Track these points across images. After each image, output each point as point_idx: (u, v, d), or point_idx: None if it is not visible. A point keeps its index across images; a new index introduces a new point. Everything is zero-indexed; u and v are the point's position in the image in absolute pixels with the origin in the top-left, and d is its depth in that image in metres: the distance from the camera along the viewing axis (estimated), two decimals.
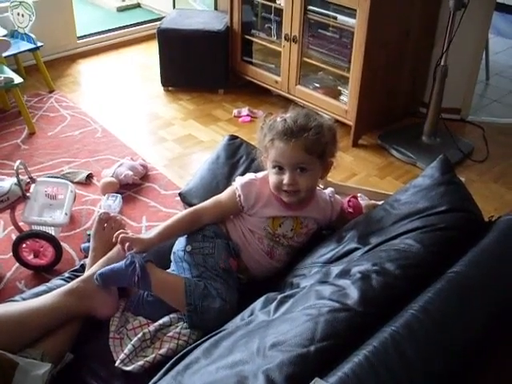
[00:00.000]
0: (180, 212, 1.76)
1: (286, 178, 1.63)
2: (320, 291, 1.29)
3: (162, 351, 1.50)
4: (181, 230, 1.72)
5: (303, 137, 1.59)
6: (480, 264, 1.29)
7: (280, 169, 1.65)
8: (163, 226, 1.69)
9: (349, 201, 1.85)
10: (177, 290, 1.59)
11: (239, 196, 1.70)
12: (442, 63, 3.31)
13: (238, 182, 1.74)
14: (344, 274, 1.36)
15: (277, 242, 1.72)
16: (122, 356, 1.50)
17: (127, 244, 1.62)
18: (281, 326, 1.20)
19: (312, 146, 1.60)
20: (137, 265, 1.59)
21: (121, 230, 1.69)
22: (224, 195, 1.75)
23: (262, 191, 1.71)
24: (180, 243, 1.73)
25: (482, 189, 3.14)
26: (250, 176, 1.76)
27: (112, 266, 1.63)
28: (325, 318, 1.15)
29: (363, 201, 1.90)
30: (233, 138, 2.30)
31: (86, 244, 1.99)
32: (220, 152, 2.24)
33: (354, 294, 1.22)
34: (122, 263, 1.62)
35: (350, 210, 1.83)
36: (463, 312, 1.17)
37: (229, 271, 1.67)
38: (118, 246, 1.68)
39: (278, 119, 1.66)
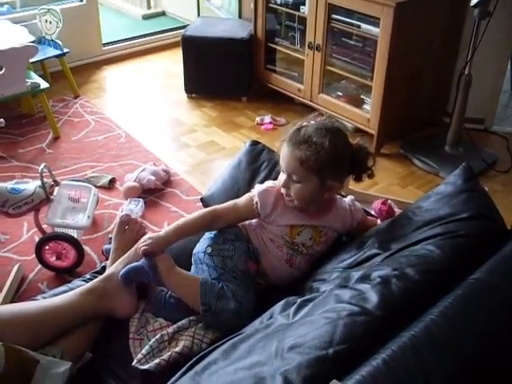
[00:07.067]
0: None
1: (281, 181, 1.67)
2: (339, 295, 1.29)
3: (178, 349, 1.51)
4: (196, 229, 1.74)
5: (300, 148, 1.60)
6: (501, 271, 1.28)
7: (283, 171, 1.68)
8: (179, 224, 1.72)
9: (383, 203, 1.81)
10: (192, 288, 1.60)
11: (256, 203, 1.71)
12: (466, 72, 3.29)
13: (257, 189, 1.75)
14: (364, 278, 1.35)
15: (296, 251, 1.72)
16: (139, 356, 1.52)
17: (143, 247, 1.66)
18: (299, 328, 1.20)
19: (307, 159, 1.59)
20: (148, 264, 1.63)
21: (142, 241, 1.71)
22: (242, 200, 1.76)
23: (279, 199, 1.71)
24: (200, 245, 1.75)
25: (505, 199, 3.10)
26: (268, 184, 1.77)
27: (131, 264, 1.67)
28: (344, 322, 1.15)
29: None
30: (255, 143, 2.29)
31: (108, 246, 2.02)
32: (242, 157, 2.23)
33: (373, 298, 1.22)
34: (140, 262, 1.66)
35: (383, 212, 1.80)
36: (482, 319, 1.16)
37: (248, 274, 1.68)
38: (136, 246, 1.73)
39: (304, 123, 1.67)
